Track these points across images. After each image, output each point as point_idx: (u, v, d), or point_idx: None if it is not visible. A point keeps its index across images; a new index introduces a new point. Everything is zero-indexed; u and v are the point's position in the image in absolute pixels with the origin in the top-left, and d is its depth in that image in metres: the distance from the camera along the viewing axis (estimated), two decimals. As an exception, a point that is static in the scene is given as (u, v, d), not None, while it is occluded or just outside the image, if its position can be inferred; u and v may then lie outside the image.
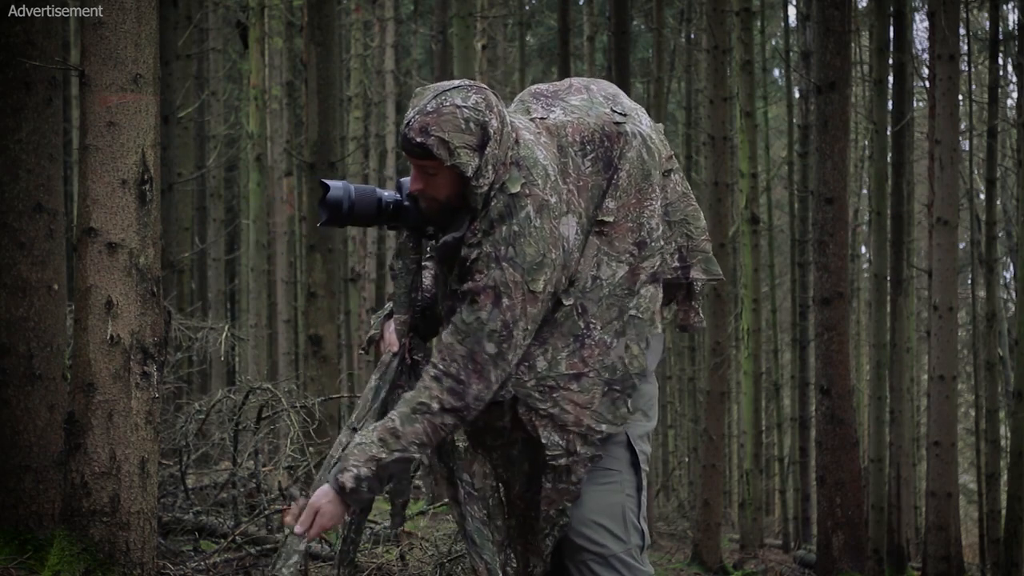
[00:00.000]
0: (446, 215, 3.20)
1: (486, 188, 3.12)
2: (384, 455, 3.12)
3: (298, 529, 3.18)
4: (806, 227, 18.16)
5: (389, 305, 3.43)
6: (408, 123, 3.10)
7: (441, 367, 3.12)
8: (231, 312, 25.52)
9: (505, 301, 3.08)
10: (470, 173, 3.09)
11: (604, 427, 3.24)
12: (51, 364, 5.17)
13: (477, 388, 3.12)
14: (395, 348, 3.35)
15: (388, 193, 3.31)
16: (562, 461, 3.23)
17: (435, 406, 3.12)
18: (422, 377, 3.16)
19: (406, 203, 3.29)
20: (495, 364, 3.11)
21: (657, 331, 3.32)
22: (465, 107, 3.08)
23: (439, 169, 3.11)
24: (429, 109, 3.08)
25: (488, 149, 3.10)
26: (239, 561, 6.00)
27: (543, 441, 3.22)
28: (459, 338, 3.11)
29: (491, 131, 3.10)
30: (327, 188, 3.29)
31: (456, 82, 3.16)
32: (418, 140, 3.07)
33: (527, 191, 3.13)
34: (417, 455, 3.15)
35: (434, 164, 3.10)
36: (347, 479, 3.12)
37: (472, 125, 3.08)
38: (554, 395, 3.21)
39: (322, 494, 3.16)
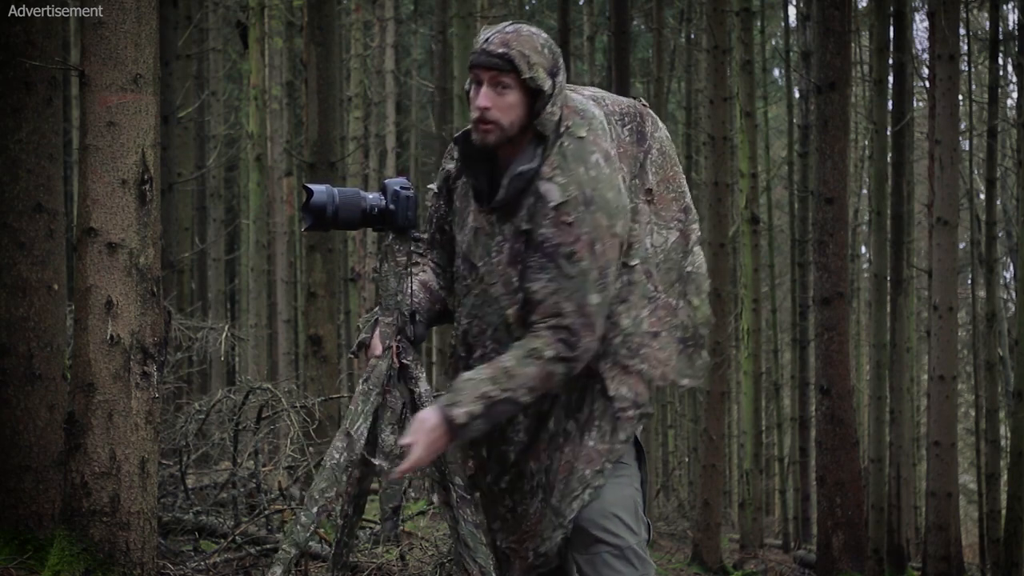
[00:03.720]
0: (499, 149, 3.22)
1: (556, 118, 3.19)
2: (495, 393, 3.12)
3: (402, 468, 3.12)
4: (806, 227, 18.15)
5: (378, 309, 3.41)
6: (487, 40, 3.18)
7: (553, 321, 3.14)
8: (231, 312, 25.52)
9: (598, 247, 3.14)
10: (546, 88, 3.16)
11: (686, 381, 3.38)
12: (51, 364, 5.17)
13: (588, 340, 3.17)
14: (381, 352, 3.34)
15: (373, 196, 3.30)
16: (630, 413, 3.28)
17: (548, 353, 3.13)
18: (532, 327, 3.16)
19: (391, 206, 3.29)
20: (600, 314, 3.17)
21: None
22: (541, 35, 3.23)
23: (513, 85, 3.17)
24: (509, 30, 3.20)
25: (558, 78, 3.20)
26: (239, 561, 6.00)
27: (611, 394, 3.27)
28: (565, 294, 3.14)
29: (560, 63, 3.22)
30: (311, 193, 3.27)
31: None
32: (500, 51, 3.15)
33: (592, 138, 3.23)
34: (524, 399, 3.15)
35: (510, 78, 3.16)
36: (459, 414, 3.12)
37: (547, 51, 3.19)
38: (641, 352, 3.29)
39: (428, 425, 3.12)
